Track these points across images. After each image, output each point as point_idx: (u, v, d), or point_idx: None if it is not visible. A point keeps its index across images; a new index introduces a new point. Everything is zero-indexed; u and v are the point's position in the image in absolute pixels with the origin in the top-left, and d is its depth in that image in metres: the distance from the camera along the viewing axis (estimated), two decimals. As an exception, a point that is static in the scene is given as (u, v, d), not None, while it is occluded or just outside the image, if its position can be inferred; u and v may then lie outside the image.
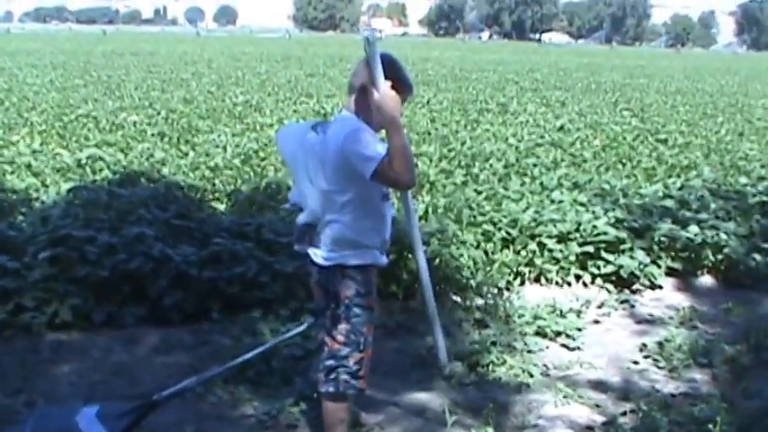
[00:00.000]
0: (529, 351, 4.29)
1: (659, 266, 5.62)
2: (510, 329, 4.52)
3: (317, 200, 2.91)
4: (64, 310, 4.29)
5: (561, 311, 4.83)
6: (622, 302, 5.24)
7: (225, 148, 9.08)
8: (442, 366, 3.88)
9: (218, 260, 4.73)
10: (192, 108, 13.33)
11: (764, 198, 6.92)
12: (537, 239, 5.62)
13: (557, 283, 5.48)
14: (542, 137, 11.02)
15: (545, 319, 4.66)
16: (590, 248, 5.55)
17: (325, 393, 3.04)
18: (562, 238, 5.63)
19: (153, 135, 10.18)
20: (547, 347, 4.41)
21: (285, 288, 4.64)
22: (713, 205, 6.52)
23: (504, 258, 5.41)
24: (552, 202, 6.44)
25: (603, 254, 5.53)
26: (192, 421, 3.45)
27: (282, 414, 3.50)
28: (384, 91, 2.84)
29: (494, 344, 4.22)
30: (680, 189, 7.17)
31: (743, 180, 7.90)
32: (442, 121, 12.62)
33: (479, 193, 6.78)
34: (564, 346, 4.48)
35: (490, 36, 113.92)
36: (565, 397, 3.79)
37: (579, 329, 4.66)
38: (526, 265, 5.49)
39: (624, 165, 9.19)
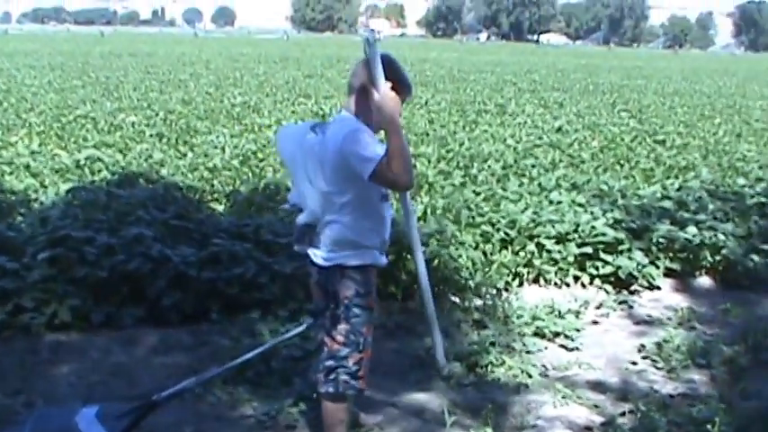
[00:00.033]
0: (527, 352, 4.30)
1: (657, 267, 5.63)
2: (509, 330, 4.52)
3: (317, 200, 2.92)
4: (63, 311, 4.29)
5: (560, 312, 4.84)
6: (621, 303, 5.25)
7: (223, 149, 9.07)
8: (440, 367, 3.89)
9: (216, 261, 4.73)
10: (191, 109, 13.32)
11: (762, 199, 6.92)
12: (535, 240, 5.63)
13: (555, 283, 5.48)
14: (540, 138, 11.02)
15: (543, 320, 4.66)
16: (588, 249, 5.56)
17: (325, 394, 3.04)
18: (560, 239, 5.64)
19: (151, 136, 10.18)
20: (545, 348, 4.42)
21: (284, 289, 4.64)
22: (711, 206, 6.53)
23: (502, 259, 5.41)
24: (551, 202, 6.45)
25: (602, 255, 5.54)
26: (192, 422, 3.45)
27: (282, 414, 3.50)
28: (384, 92, 2.85)
29: (492, 344, 4.22)
30: (678, 190, 7.19)
31: (741, 181, 7.91)
32: (440, 122, 12.62)
33: (478, 193, 6.78)
34: (562, 346, 4.49)
35: (488, 37, 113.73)
36: (563, 397, 3.79)
37: (578, 330, 4.67)
38: (525, 265, 5.50)
39: (622, 166, 9.20)
